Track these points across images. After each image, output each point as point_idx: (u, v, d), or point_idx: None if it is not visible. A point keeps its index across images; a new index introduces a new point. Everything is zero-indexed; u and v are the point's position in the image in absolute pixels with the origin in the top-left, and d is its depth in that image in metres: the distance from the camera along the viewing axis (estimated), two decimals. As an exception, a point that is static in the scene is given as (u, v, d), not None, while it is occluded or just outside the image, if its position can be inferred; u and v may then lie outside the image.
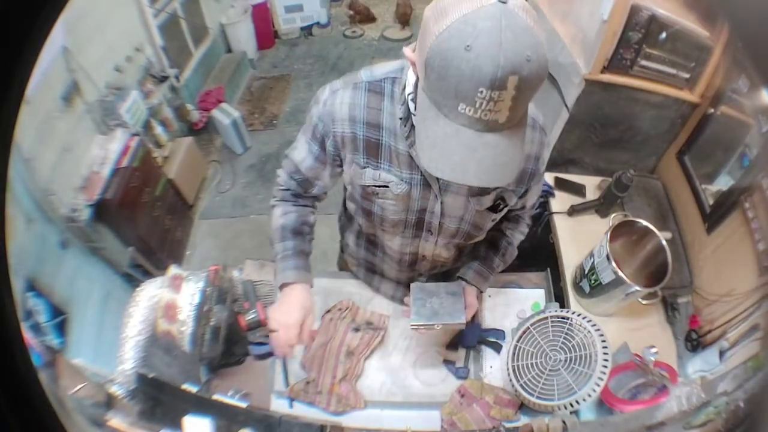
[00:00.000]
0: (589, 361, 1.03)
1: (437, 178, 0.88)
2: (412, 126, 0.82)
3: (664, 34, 1.48)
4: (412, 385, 1.17)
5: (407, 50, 0.71)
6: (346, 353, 1.17)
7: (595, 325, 1.06)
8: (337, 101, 0.87)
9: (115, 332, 1.11)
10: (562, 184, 1.72)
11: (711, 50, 1.48)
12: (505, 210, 0.99)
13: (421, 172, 0.88)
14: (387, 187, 0.91)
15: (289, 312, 0.98)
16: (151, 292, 1.18)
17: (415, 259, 1.09)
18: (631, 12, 1.45)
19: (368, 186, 0.93)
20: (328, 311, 1.27)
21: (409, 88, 0.80)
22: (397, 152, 0.88)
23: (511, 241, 1.14)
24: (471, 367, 1.19)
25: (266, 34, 4.08)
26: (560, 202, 1.67)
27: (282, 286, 1.02)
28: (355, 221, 1.12)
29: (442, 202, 0.92)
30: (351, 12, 4.45)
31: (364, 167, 0.91)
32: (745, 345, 1.10)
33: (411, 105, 0.80)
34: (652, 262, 1.32)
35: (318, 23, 4.33)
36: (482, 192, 0.92)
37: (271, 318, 1.00)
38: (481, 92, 0.57)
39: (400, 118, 0.84)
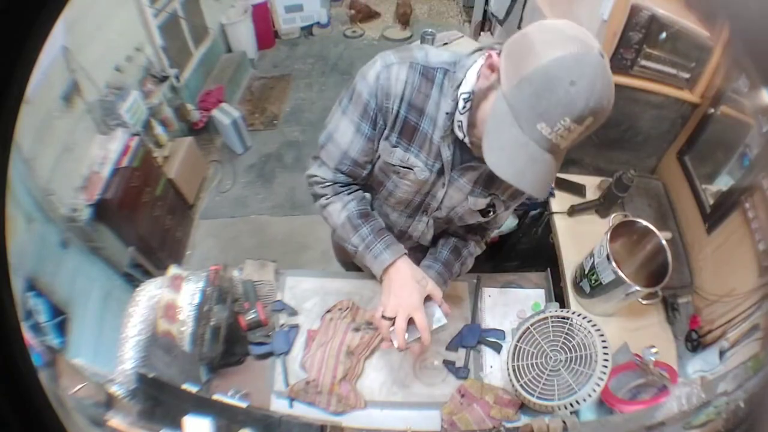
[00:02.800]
0: (589, 361, 1.03)
1: (451, 170, 0.93)
2: (452, 122, 0.87)
3: (664, 34, 1.48)
4: (412, 385, 1.17)
5: (495, 54, 0.76)
6: (346, 353, 1.17)
7: (595, 325, 1.06)
8: (393, 76, 0.86)
9: (115, 332, 1.12)
10: (562, 184, 1.72)
11: (711, 50, 1.48)
12: (491, 216, 1.04)
13: (443, 162, 0.92)
14: (411, 170, 0.94)
15: (409, 292, 0.93)
16: (151, 292, 1.18)
17: (402, 236, 1.12)
18: (631, 12, 1.45)
19: (394, 165, 0.95)
20: (328, 311, 1.27)
21: (465, 87, 0.83)
22: (430, 140, 0.91)
23: (472, 252, 1.17)
24: (471, 367, 1.19)
25: (266, 34, 4.08)
26: (560, 202, 1.67)
27: (384, 272, 0.97)
28: None
29: (446, 192, 0.97)
30: (352, 11, 4.46)
31: (395, 146, 0.93)
32: (745, 345, 1.10)
33: (461, 103, 0.83)
34: (652, 262, 1.32)
35: (318, 23, 4.33)
36: (481, 194, 0.98)
37: (389, 306, 0.93)
38: (565, 121, 0.66)
39: (447, 113, 0.86)
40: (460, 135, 0.86)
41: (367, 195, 1.07)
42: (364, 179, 1.03)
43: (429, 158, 0.93)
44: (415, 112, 0.88)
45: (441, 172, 0.95)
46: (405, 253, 0.99)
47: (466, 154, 0.91)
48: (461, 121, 0.84)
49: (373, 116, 0.90)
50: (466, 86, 0.83)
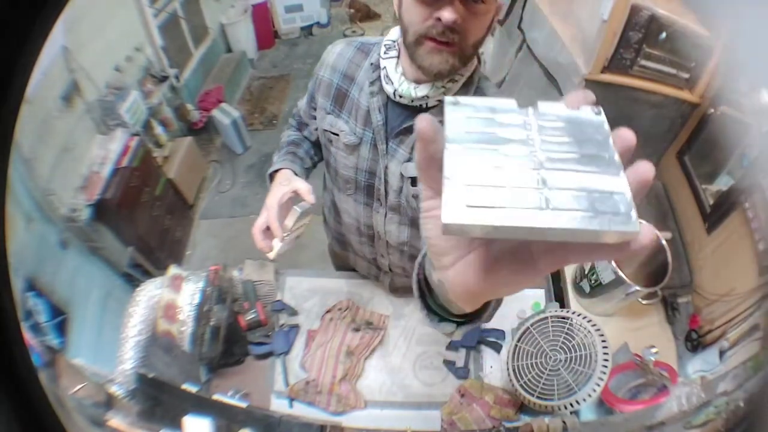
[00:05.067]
0: (589, 361, 1.03)
1: (386, 140, 0.92)
2: (379, 77, 0.88)
3: (664, 34, 1.48)
4: (412, 385, 1.17)
5: None
6: (346, 353, 1.17)
7: (595, 325, 1.06)
8: (331, 50, 0.97)
9: (115, 332, 1.12)
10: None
11: (711, 50, 1.48)
12: None
13: (373, 130, 0.92)
14: (338, 135, 0.97)
15: (271, 195, 0.92)
16: (151, 292, 1.18)
17: (372, 233, 1.10)
18: (631, 12, 1.44)
19: (325, 131, 0.99)
20: (328, 311, 1.27)
21: (389, 38, 0.87)
22: (358, 105, 0.93)
23: None
24: (471, 367, 1.19)
25: (266, 34, 4.08)
26: (560, 202, 1.67)
27: (270, 183, 1.00)
28: (329, 190, 1.16)
29: (386, 167, 0.95)
30: (351, 10, 4.46)
31: (328, 113, 0.98)
32: (745, 345, 1.10)
33: (383, 49, 0.87)
34: (652, 262, 1.32)
35: (318, 23, 4.33)
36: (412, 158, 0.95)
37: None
38: None
39: (371, 63, 0.90)
40: (388, 88, 0.86)
41: (311, 144, 1.13)
42: (310, 139, 1.11)
43: (357, 125, 0.94)
44: (347, 80, 0.94)
45: (375, 146, 0.94)
46: (293, 171, 1.00)
47: (400, 116, 0.90)
48: (385, 68, 0.86)
49: (311, 82, 1.01)
50: (390, 37, 0.87)
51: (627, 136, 0.29)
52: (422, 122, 0.29)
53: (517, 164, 0.28)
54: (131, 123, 2.29)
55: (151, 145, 2.47)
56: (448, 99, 0.31)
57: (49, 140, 1.79)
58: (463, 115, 0.31)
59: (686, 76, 1.55)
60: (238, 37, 3.80)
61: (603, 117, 0.32)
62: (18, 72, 0.42)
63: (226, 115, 3.09)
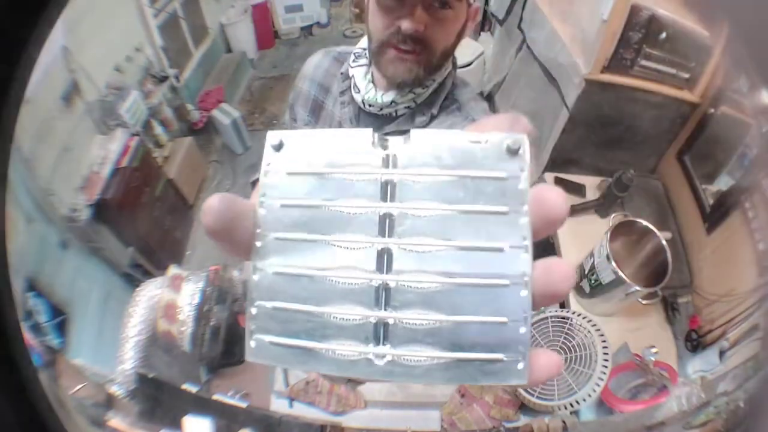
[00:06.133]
0: (589, 361, 1.03)
1: None
2: (349, 87, 0.86)
3: (664, 34, 1.48)
4: (412, 385, 1.17)
5: None
6: (346, 353, 1.17)
7: (595, 325, 1.06)
8: (308, 61, 0.97)
9: (115, 332, 1.12)
10: (562, 184, 1.72)
11: (711, 50, 1.48)
12: None
13: None
14: None
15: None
16: (151, 292, 1.18)
17: None
18: (631, 12, 1.45)
19: None
20: (328, 311, 1.27)
21: (362, 44, 0.85)
22: (332, 117, 0.92)
23: None
24: (471, 367, 1.19)
25: (266, 34, 4.08)
26: (560, 202, 1.67)
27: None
28: None
29: None
30: (357, 10, 4.46)
31: (306, 124, 0.97)
32: (745, 345, 1.10)
33: (351, 57, 0.85)
34: (652, 262, 1.32)
35: (318, 23, 4.33)
36: None
37: None
38: None
39: (342, 73, 0.88)
40: (357, 97, 0.83)
41: None
42: None
43: None
44: (323, 91, 0.93)
45: None
46: None
47: (372, 125, 0.86)
48: (354, 76, 0.83)
49: (291, 93, 1.02)
50: (361, 45, 0.85)
51: (552, 199, 0.18)
52: (208, 215, 0.22)
53: (352, 264, 0.20)
54: (131, 123, 2.29)
55: (151, 145, 2.47)
56: (270, 136, 0.23)
57: (49, 140, 1.79)
58: (286, 167, 0.22)
59: (686, 76, 1.55)
60: (238, 37, 3.80)
61: (523, 158, 0.19)
62: (18, 72, 0.42)
63: (226, 115, 3.09)
